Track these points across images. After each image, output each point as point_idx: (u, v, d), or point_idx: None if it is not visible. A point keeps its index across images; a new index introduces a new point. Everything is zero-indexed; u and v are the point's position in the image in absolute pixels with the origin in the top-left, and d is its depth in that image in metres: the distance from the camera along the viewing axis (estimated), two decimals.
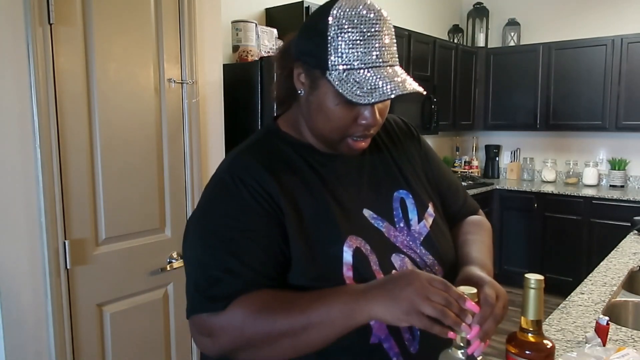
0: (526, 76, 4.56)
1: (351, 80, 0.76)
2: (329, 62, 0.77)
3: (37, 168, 1.53)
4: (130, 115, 1.78)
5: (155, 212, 1.90)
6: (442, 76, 4.27)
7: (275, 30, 2.82)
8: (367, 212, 0.89)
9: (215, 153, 2.10)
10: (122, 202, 1.78)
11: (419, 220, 0.93)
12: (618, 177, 4.35)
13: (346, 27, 0.76)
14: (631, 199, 3.86)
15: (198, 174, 2.01)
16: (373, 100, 0.75)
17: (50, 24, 1.54)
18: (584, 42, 4.28)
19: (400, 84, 0.76)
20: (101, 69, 1.68)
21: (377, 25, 0.77)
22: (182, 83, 1.94)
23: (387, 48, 0.78)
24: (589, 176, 4.47)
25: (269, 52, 2.72)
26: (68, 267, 1.63)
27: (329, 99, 0.80)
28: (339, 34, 0.76)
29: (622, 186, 4.35)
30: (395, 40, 0.81)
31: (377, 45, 0.77)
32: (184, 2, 1.91)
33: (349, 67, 0.76)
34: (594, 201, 4.03)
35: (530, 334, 0.76)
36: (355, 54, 0.76)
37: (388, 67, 0.78)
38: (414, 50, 3.87)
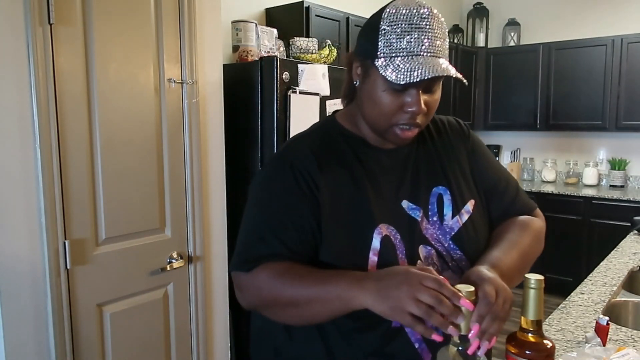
0: (526, 76, 4.56)
1: (394, 65, 0.82)
2: (378, 51, 0.84)
3: (37, 168, 1.53)
4: (130, 115, 1.78)
5: (155, 212, 1.90)
6: None
7: (275, 30, 2.82)
8: (405, 204, 0.94)
9: (215, 153, 2.11)
10: (122, 202, 1.78)
11: (453, 216, 0.95)
12: (618, 177, 4.35)
13: (397, 20, 0.83)
14: (631, 199, 3.86)
15: (198, 174, 2.01)
16: (407, 80, 0.80)
17: (50, 24, 1.53)
18: (584, 42, 4.28)
19: (438, 69, 0.81)
20: (101, 69, 1.68)
21: (427, 20, 0.83)
22: (182, 83, 1.94)
23: (433, 40, 0.83)
24: (589, 176, 4.47)
25: (268, 52, 2.72)
26: (68, 267, 1.63)
27: (378, 85, 0.86)
28: (390, 26, 0.84)
29: (622, 186, 4.35)
30: (446, 38, 0.86)
31: (423, 36, 0.82)
32: (184, 2, 1.91)
33: (394, 54, 0.83)
34: (594, 201, 4.03)
35: (530, 334, 0.76)
36: (403, 43, 0.82)
37: (432, 57, 0.83)
38: None
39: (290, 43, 2.79)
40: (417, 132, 0.91)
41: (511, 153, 5.04)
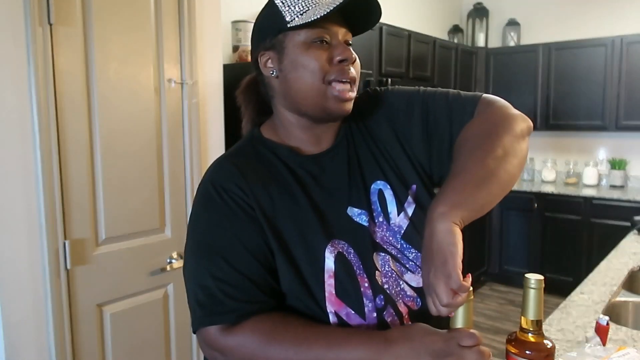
0: (526, 76, 4.56)
1: (310, 16, 0.79)
2: (286, 17, 0.81)
3: (37, 168, 1.53)
4: (130, 116, 1.78)
5: (155, 212, 1.90)
6: (442, 76, 4.27)
7: None
8: (350, 211, 0.86)
9: (215, 153, 2.10)
10: (122, 202, 1.78)
11: (399, 212, 0.88)
12: (618, 177, 4.35)
13: None
14: (631, 199, 3.86)
15: (198, 174, 2.01)
16: (327, 10, 0.76)
17: (50, 24, 1.54)
18: (584, 42, 4.28)
19: None
20: (101, 69, 1.68)
21: None
22: (182, 83, 1.94)
23: None
24: (589, 176, 4.47)
25: None
26: (68, 267, 1.63)
27: (299, 48, 0.82)
28: None
29: (622, 186, 4.35)
30: None
31: None
32: (184, 2, 1.91)
33: (305, 9, 0.80)
34: (594, 201, 4.03)
35: (530, 334, 0.76)
36: None
37: None
38: (414, 50, 3.87)
39: None
40: (354, 91, 0.84)
41: None
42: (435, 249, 0.69)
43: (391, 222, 0.88)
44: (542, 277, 0.74)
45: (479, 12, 4.97)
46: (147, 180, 1.86)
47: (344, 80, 0.82)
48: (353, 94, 0.84)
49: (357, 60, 0.85)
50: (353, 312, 0.80)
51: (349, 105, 0.85)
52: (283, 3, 0.82)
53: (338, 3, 0.77)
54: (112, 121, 1.73)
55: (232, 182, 0.83)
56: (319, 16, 0.77)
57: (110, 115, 1.72)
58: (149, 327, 1.91)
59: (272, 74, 0.86)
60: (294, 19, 0.80)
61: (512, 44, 4.82)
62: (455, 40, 4.89)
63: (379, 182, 0.89)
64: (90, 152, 1.68)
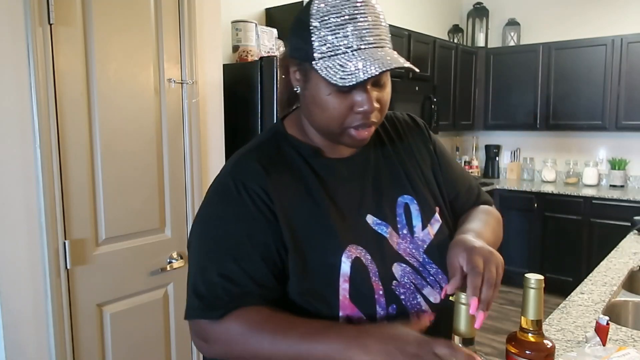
0: (526, 76, 4.56)
1: (336, 65, 0.75)
2: (314, 52, 0.77)
3: (37, 168, 1.53)
4: (130, 115, 1.78)
5: (155, 212, 1.90)
6: (442, 76, 4.27)
7: (275, 30, 2.82)
8: (370, 219, 0.86)
9: (215, 153, 2.11)
10: (122, 202, 1.78)
11: (423, 227, 0.89)
12: (618, 177, 4.35)
13: (328, 14, 0.75)
14: (631, 198, 3.86)
15: (198, 174, 2.01)
16: (354, 81, 0.73)
17: (50, 24, 1.54)
18: (584, 42, 4.28)
19: (385, 62, 0.73)
20: (101, 69, 1.68)
21: (360, 8, 0.75)
22: (182, 83, 1.94)
23: (371, 30, 0.75)
24: (589, 176, 4.47)
25: (268, 52, 2.72)
26: (68, 267, 1.63)
27: (321, 89, 0.78)
28: (322, 22, 0.76)
29: (622, 186, 4.35)
30: (383, 23, 0.78)
31: (360, 27, 0.75)
32: (184, 2, 1.91)
33: (333, 52, 0.75)
34: (594, 201, 4.03)
35: (530, 334, 0.76)
36: (338, 38, 0.75)
37: (374, 49, 0.75)
38: (414, 50, 3.87)
39: None
40: (373, 130, 0.83)
41: (511, 153, 5.04)
42: (478, 248, 0.77)
43: (415, 235, 0.88)
44: (542, 277, 0.74)
45: (479, 12, 4.97)
46: (147, 180, 1.86)
47: (362, 128, 0.81)
48: (371, 132, 0.83)
49: (387, 94, 0.82)
50: (364, 317, 0.80)
51: (367, 139, 0.84)
52: (317, 30, 0.76)
53: (368, 74, 0.72)
54: (112, 121, 1.73)
55: (255, 182, 0.82)
56: (348, 84, 0.73)
57: (110, 115, 1.72)
58: (149, 327, 1.91)
59: (297, 89, 0.85)
60: (321, 59, 0.76)
61: (512, 43, 4.83)
62: (455, 40, 4.89)
63: (406, 196, 0.91)
64: (90, 152, 1.68)
